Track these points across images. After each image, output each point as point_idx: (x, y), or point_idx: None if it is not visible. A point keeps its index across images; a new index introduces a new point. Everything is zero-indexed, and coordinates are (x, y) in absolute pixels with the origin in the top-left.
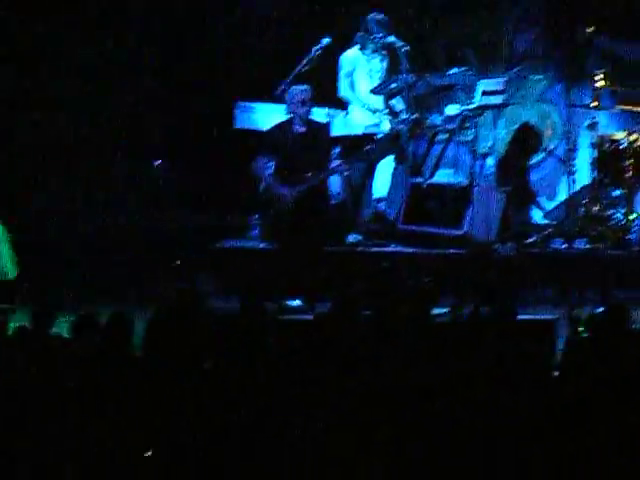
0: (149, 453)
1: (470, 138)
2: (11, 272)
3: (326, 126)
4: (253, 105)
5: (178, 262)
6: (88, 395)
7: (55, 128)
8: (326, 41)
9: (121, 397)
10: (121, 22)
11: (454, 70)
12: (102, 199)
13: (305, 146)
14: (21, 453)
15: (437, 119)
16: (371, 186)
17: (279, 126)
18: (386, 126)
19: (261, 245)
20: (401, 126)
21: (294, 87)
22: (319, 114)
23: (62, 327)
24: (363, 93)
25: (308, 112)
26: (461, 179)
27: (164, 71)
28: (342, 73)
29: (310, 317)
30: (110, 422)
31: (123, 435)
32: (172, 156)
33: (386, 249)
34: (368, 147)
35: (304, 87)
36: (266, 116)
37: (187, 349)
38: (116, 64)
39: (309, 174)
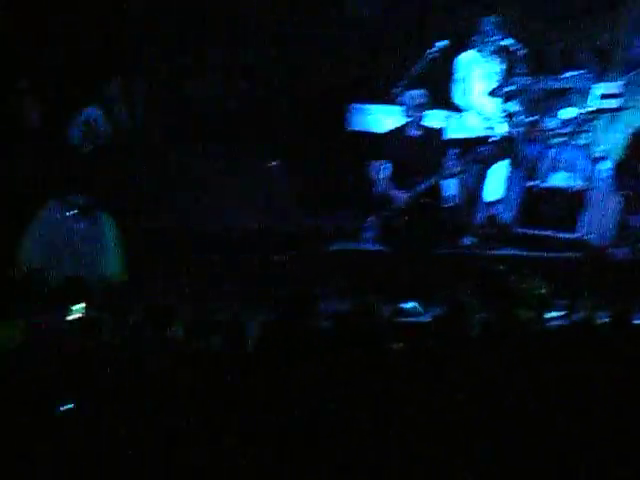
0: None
1: (586, 141)
2: (119, 271)
3: (441, 130)
4: (367, 107)
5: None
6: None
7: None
8: (442, 43)
9: (241, 396)
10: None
11: (570, 73)
12: (223, 199)
13: (420, 150)
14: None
15: (552, 122)
16: (483, 189)
17: (395, 130)
18: (501, 129)
19: (375, 247)
20: (516, 129)
21: (410, 91)
22: (435, 116)
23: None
24: (479, 96)
25: (423, 116)
26: (576, 182)
27: (282, 73)
28: (458, 76)
29: (425, 320)
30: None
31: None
32: (288, 158)
33: (501, 252)
34: (483, 150)
35: (420, 92)
36: (380, 118)
37: (300, 351)
38: (238, 64)
39: (423, 177)
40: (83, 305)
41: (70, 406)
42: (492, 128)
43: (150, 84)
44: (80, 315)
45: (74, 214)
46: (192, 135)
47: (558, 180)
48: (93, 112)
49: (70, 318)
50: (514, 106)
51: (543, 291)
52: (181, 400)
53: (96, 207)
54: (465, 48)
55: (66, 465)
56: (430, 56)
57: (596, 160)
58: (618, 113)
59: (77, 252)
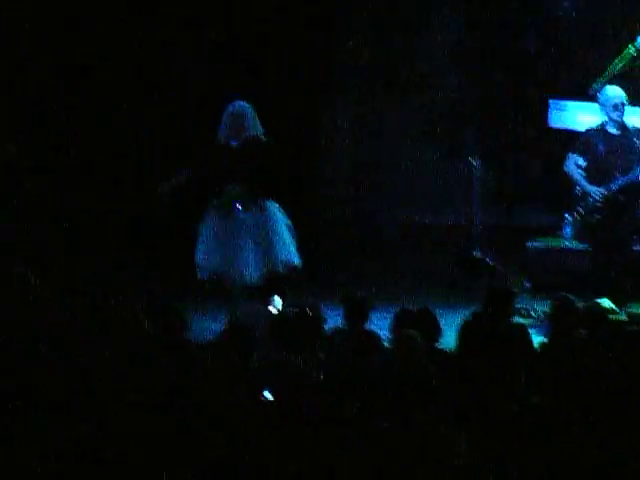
0: None
1: None
2: (297, 260)
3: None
4: (566, 103)
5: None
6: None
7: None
8: None
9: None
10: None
11: None
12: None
13: (617, 148)
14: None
15: None
16: None
17: (594, 129)
18: None
19: (573, 244)
20: None
21: (608, 90)
22: (634, 113)
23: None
24: None
25: (621, 115)
26: None
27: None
28: None
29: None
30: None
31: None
32: (486, 155)
33: None
34: None
35: (618, 91)
36: (578, 115)
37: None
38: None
39: (620, 174)
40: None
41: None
42: None
43: None
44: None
45: (238, 207)
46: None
47: None
48: (243, 105)
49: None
50: None
51: None
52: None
53: (258, 195)
54: None
55: None
56: (630, 52)
57: None
58: None
59: (249, 244)
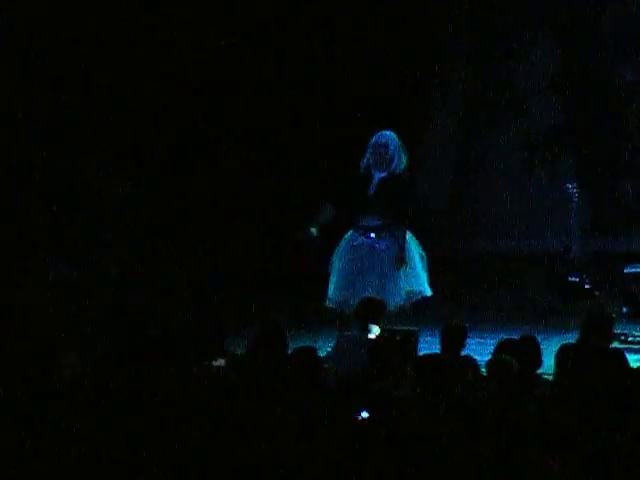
0: None
1: None
2: (427, 290)
3: None
4: None
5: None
6: None
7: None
8: None
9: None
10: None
11: None
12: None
13: None
14: None
15: None
16: None
17: None
18: None
19: None
20: None
21: None
22: None
23: None
24: None
25: None
26: None
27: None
28: None
29: None
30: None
31: None
32: (585, 181)
33: None
34: None
35: None
36: None
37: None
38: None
39: None
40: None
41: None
42: None
43: None
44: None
45: (373, 236)
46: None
47: None
48: (389, 134)
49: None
50: None
51: None
52: None
53: (394, 227)
54: None
55: None
56: None
57: None
58: None
59: (380, 272)
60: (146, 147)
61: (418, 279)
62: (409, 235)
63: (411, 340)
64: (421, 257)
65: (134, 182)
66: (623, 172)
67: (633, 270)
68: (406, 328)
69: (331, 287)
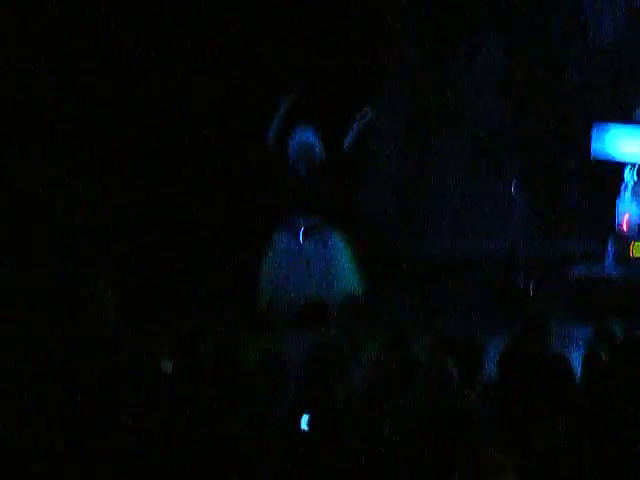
0: None
1: None
2: (357, 289)
3: None
4: (609, 126)
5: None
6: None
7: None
8: None
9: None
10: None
11: None
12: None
13: None
14: None
15: None
16: None
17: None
18: None
19: (616, 272)
20: None
21: None
22: None
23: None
24: None
25: None
26: None
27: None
28: None
29: None
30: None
31: None
32: (529, 185)
33: None
34: None
35: None
36: (621, 142)
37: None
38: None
39: None
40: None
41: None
42: None
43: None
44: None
45: (303, 235)
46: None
47: None
48: (309, 135)
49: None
50: None
51: None
52: None
53: (324, 227)
54: None
55: None
56: None
57: None
58: None
59: (311, 273)
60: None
61: (349, 279)
62: (336, 234)
63: (356, 342)
64: (349, 257)
65: (90, 183)
66: (569, 175)
67: (577, 273)
68: (351, 332)
69: (261, 287)
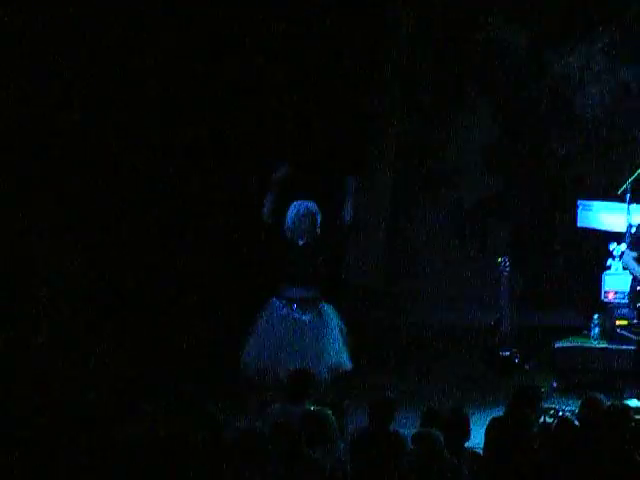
0: None
1: None
2: (347, 364)
3: None
4: (592, 203)
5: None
6: None
7: None
8: None
9: None
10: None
11: None
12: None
13: None
14: None
15: None
16: None
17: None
18: None
19: (600, 344)
20: None
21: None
22: None
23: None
24: None
25: None
26: None
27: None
28: None
29: None
30: None
31: None
32: (516, 255)
33: None
34: None
35: None
36: (603, 215)
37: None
38: None
39: None
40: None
41: None
42: None
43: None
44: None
45: (296, 308)
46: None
47: None
48: (312, 206)
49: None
50: None
51: None
52: None
53: (317, 299)
54: None
55: None
56: None
57: None
58: None
59: (304, 344)
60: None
61: (339, 353)
62: (330, 307)
63: (340, 413)
64: (341, 330)
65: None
66: (555, 245)
67: (563, 345)
68: (336, 401)
69: (250, 354)
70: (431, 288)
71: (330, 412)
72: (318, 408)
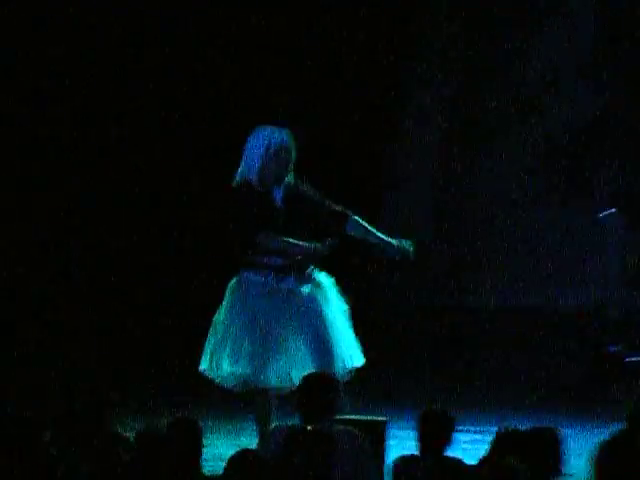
0: None
1: None
2: (360, 358)
3: None
4: None
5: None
6: None
7: None
8: None
9: None
10: None
11: None
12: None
13: None
14: None
15: None
16: None
17: None
18: None
19: None
20: None
21: None
22: None
23: None
24: None
25: None
26: None
27: None
28: None
29: None
30: None
31: None
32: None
33: None
34: None
35: None
36: None
37: None
38: None
39: None
40: None
41: None
42: None
43: None
44: None
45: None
46: None
47: None
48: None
49: None
50: None
51: None
52: None
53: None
54: None
55: None
56: None
57: None
58: None
59: (310, 330)
60: None
61: (352, 343)
62: (330, 280)
63: (377, 435)
64: (344, 312)
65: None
66: None
67: None
68: (369, 418)
69: (225, 357)
70: (501, 263)
71: (362, 435)
72: (349, 429)
